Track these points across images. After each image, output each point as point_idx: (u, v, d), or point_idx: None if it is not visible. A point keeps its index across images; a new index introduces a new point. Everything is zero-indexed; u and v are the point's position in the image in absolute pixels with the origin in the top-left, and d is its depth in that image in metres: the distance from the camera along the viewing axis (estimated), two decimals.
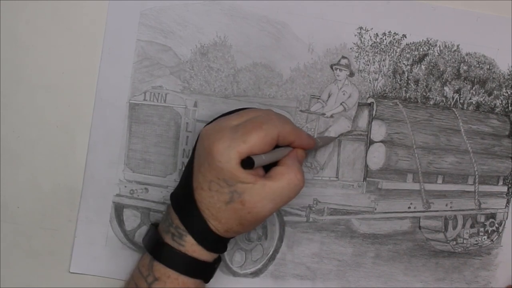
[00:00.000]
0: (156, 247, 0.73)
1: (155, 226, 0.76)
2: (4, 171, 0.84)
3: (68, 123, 0.84)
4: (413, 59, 0.86)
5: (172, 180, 0.84)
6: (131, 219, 0.84)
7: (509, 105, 0.87)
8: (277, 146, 0.72)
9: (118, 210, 0.85)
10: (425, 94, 0.87)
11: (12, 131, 0.84)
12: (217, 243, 0.72)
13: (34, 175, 0.84)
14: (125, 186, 0.84)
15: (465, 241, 0.89)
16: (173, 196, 0.75)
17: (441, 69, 0.86)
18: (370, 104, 0.86)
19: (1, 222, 0.84)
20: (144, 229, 0.85)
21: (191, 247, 0.72)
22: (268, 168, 0.72)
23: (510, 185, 0.88)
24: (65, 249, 0.85)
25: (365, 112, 0.86)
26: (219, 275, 0.85)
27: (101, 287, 0.84)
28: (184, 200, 0.72)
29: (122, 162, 0.84)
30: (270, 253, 0.86)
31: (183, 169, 0.80)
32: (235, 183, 0.68)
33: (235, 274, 0.86)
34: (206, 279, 0.75)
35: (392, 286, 0.87)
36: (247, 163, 0.68)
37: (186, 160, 0.84)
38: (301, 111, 0.85)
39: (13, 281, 0.85)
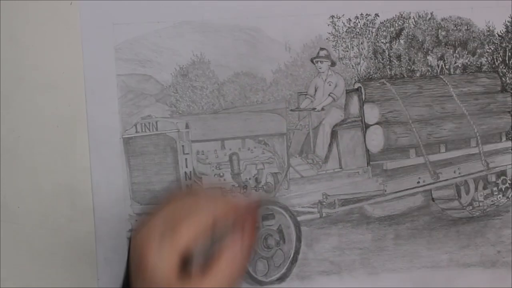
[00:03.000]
0: None
1: None
2: (4, 171, 0.84)
3: (68, 123, 0.84)
4: (390, 36, 0.86)
5: None
6: None
7: (495, 60, 0.87)
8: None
9: None
10: (409, 67, 0.86)
11: (12, 131, 0.84)
12: None
13: (34, 175, 0.84)
14: (136, 220, 0.85)
15: (481, 204, 0.88)
16: None
17: (420, 40, 0.86)
18: (358, 89, 0.86)
19: (1, 222, 0.84)
20: None
21: None
22: None
23: None
24: (65, 249, 0.85)
25: (355, 98, 0.87)
26: (245, 286, 0.85)
27: None
28: None
29: (128, 197, 0.85)
30: (291, 255, 0.86)
31: None
32: None
33: (261, 283, 0.85)
34: None
35: (418, 263, 0.86)
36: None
37: (189, 182, 0.84)
38: (291, 110, 0.85)
39: (13, 281, 0.85)
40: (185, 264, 0.63)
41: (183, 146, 0.84)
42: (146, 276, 0.63)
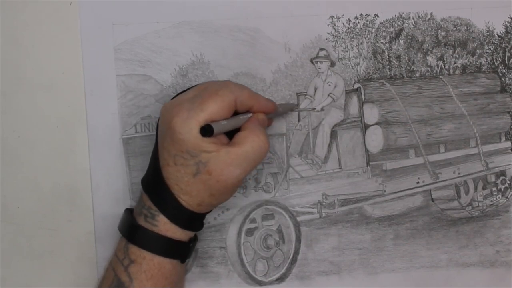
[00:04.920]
0: (130, 230, 0.74)
1: (129, 210, 0.77)
2: (4, 171, 0.84)
3: (68, 124, 0.84)
4: (390, 36, 0.86)
5: None
6: None
7: (495, 60, 0.87)
8: (237, 114, 0.73)
9: None
10: (409, 68, 0.86)
11: (12, 131, 0.84)
12: (191, 220, 0.73)
13: (34, 175, 0.84)
14: None
15: (480, 204, 0.88)
16: (143, 179, 0.76)
17: (419, 40, 0.86)
18: (357, 89, 0.86)
19: (1, 222, 0.84)
20: None
21: (164, 226, 0.72)
22: (232, 136, 0.72)
23: None
24: (65, 249, 0.85)
25: (354, 98, 0.87)
26: (245, 286, 0.85)
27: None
28: (153, 180, 0.73)
29: (128, 198, 0.85)
30: (291, 256, 0.86)
31: None
32: (198, 153, 0.68)
33: (260, 283, 0.86)
34: (182, 259, 0.75)
35: (417, 264, 0.86)
36: (206, 130, 0.68)
37: None
38: (291, 110, 0.85)
39: (13, 281, 0.85)
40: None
41: None
42: (174, 141, 0.69)
